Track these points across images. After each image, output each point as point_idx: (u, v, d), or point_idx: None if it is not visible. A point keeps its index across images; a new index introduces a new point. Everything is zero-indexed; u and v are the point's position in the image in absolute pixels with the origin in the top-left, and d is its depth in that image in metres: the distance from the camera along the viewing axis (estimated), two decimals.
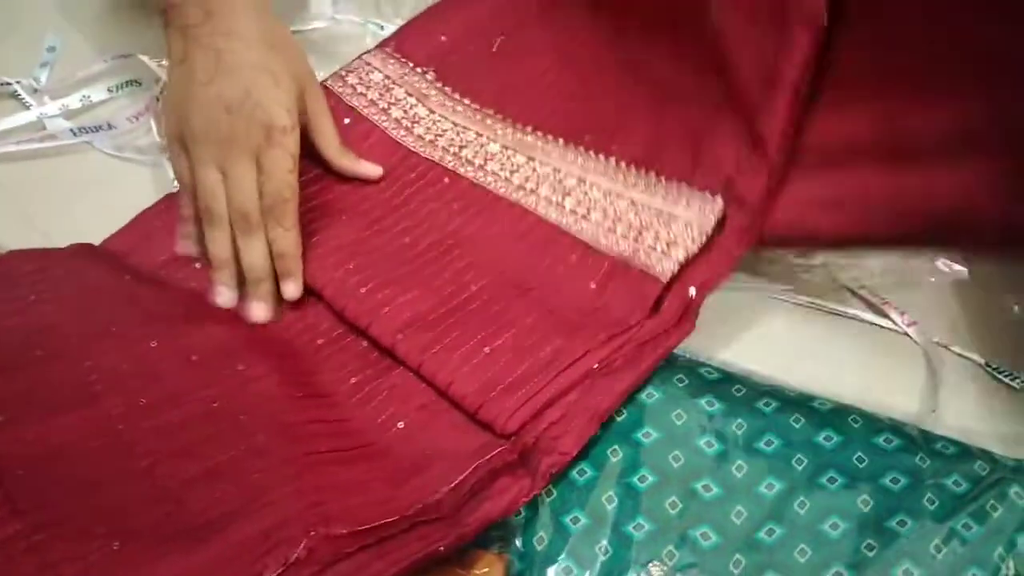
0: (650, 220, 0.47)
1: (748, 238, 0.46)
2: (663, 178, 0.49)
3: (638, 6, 0.52)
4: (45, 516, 0.34)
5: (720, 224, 0.46)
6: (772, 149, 0.45)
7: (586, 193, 0.49)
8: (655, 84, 0.52)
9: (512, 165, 0.52)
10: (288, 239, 0.46)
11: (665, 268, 0.45)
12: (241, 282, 0.47)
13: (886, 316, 0.48)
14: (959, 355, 0.48)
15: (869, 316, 0.49)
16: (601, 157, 0.51)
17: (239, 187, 0.46)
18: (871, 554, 0.38)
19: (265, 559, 0.33)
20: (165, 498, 0.36)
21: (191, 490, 0.37)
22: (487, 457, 0.39)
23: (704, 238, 0.45)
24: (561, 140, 0.52)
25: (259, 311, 0.47)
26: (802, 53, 0.44)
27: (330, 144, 0.51)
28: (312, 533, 0.34)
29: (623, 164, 0.50)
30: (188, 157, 0.47)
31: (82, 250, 0.50)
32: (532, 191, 0.50)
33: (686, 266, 0.45)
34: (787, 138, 0.45)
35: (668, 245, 0.46)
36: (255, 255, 0.46)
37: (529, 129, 0.53)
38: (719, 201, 0.46)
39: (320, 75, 0.57)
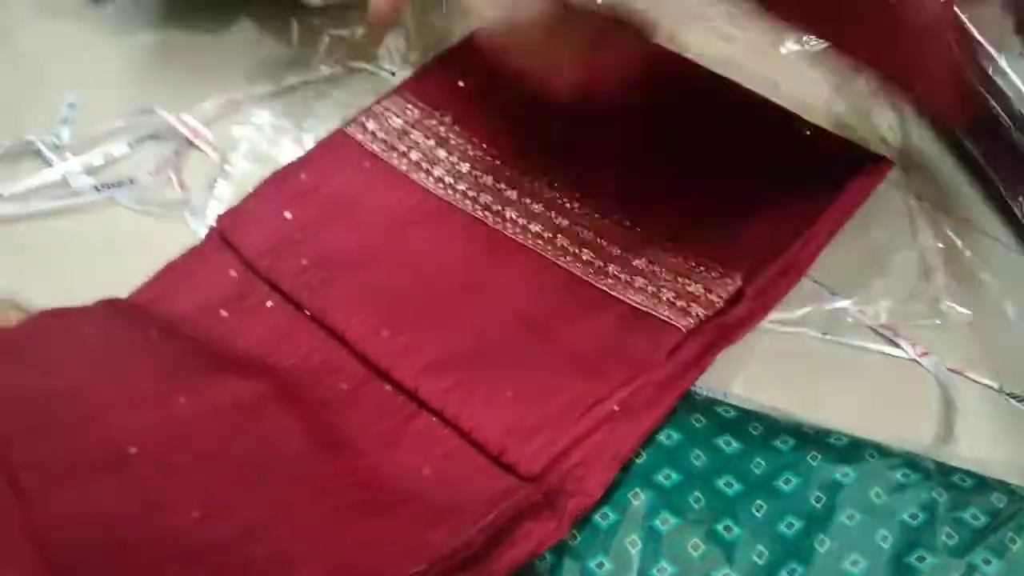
0: (669, 280, 0.49)
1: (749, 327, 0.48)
2: (683, 254, 0.50)
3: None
4: None
5: (734, 299, 0.48)
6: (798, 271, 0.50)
7: (603, 247, 0.51)
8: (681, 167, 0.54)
9: (529, 214, 0.53)
10: None
11: (685, 323, 0.47)
12: None
13: (899, 347, 0.49)
14: (974, 381, 0.48)
15: (882, 347, 0.49)
16: (617, 218, 0.52)
17: None
18: None
19: None
20: (197, 563, 0.37)
21: (220, 552, 0.38)
22: (514, 499, 0.40)
23: (721, 304, 0.47)
24: (577, 202, 0.53)
25: None
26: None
27: None
28: None
29: (639, 231, 0.52)
30: None
31: (108, 307, 0.51)
32: (550, 240, 0.51)
33: (705, 322, 0.47)
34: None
35: (688, 303, 0.47)
36: None
37: (546, 181, 0.54)
38: (738, 280, 0.48)
39: (334, 123, 0.58)
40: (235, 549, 0.38)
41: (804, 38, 0.50)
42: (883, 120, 0.58)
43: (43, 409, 0.44)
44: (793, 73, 0.59)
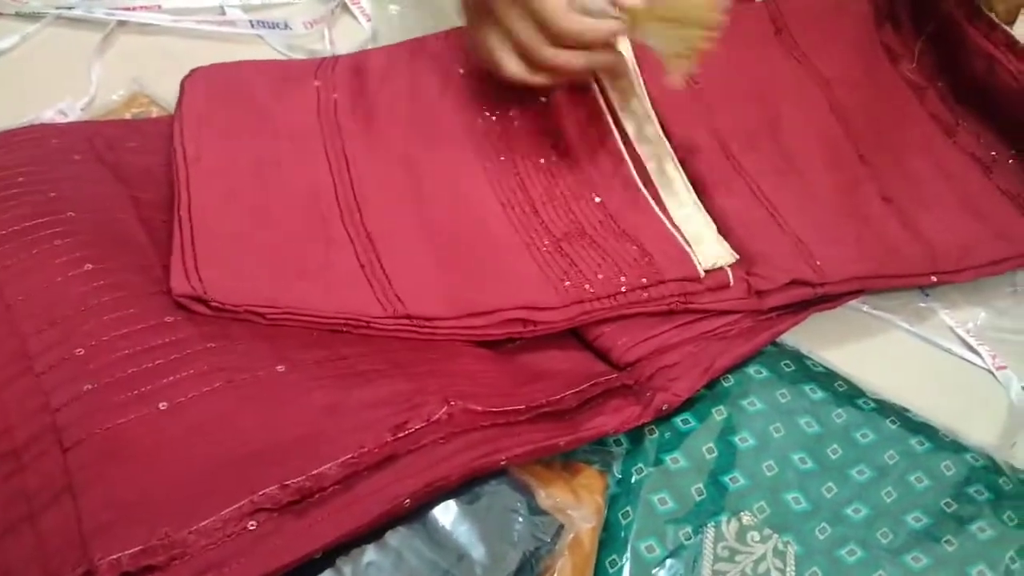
0: None
1: None
2: None
3: None
4: (221, 331, 0.37)
5: None
6: None
7: None
8: None
9: None
10: None
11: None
12: None
13: (977, 354, 0.51)
14: None
15: (963, 351, 0.51)
16: None
17: None
18: (950, 549, 0.40)
19: (409, 413, 0.36)
20: (324, 345, 0.39)
21: (345, 346, 0.40)
22: (606, 377, 0.42)
23: None
24: None
25: None
26: None
27: None
28: (452, 403, 0.37)
29: None
30: None
31: None
32: None
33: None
34: None
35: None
36: None
37: None
38: None
39: None
40: (354, 346, 0.40)
41: None
42: None
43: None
44: None
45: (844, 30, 0.61)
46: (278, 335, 0.38)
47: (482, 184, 0.49)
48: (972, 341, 0.51)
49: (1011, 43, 0.55)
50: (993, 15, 0.56)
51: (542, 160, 0.50)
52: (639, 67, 0.49)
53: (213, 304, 0.38)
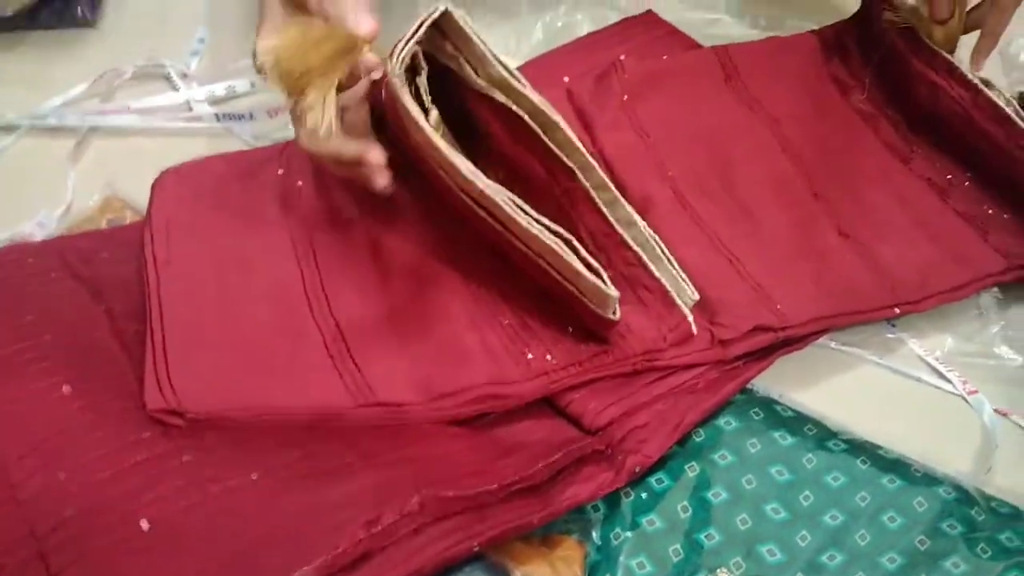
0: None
1: None
2: None
3: None
4: (195, 443, 0.39)
5: None
6: None
7: None
8: None
9: None
10: None
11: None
12: None
13: (948, 381, 0.52)
14: (1017, 424, 0.51)
15: (933, 380, 0.52)
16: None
17: None
18: None
19: (382, 507, 0.37)
20: (295, 444, 0.40)
21: (315, 443, 0.41)
22: (578, 445, 0.43)
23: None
24: None
25: None
26: None
27: None
28: (423, 491, 0.38)
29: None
30: None
31: None
32: None
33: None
34: None
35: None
36: None
37: None
38: None
39: None
40: (325, 443, 0.41)
41: None
42: None
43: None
44: None
45: (792, 68, 0.62)
46: (251, 438, 0.40)
47: (443, 263, 0.50)
48: (942, 368, 0.52)
49: (951, 69, 0.56)
50: (931, 43, 0.57)
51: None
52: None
53: (188, 416, 0.40)
